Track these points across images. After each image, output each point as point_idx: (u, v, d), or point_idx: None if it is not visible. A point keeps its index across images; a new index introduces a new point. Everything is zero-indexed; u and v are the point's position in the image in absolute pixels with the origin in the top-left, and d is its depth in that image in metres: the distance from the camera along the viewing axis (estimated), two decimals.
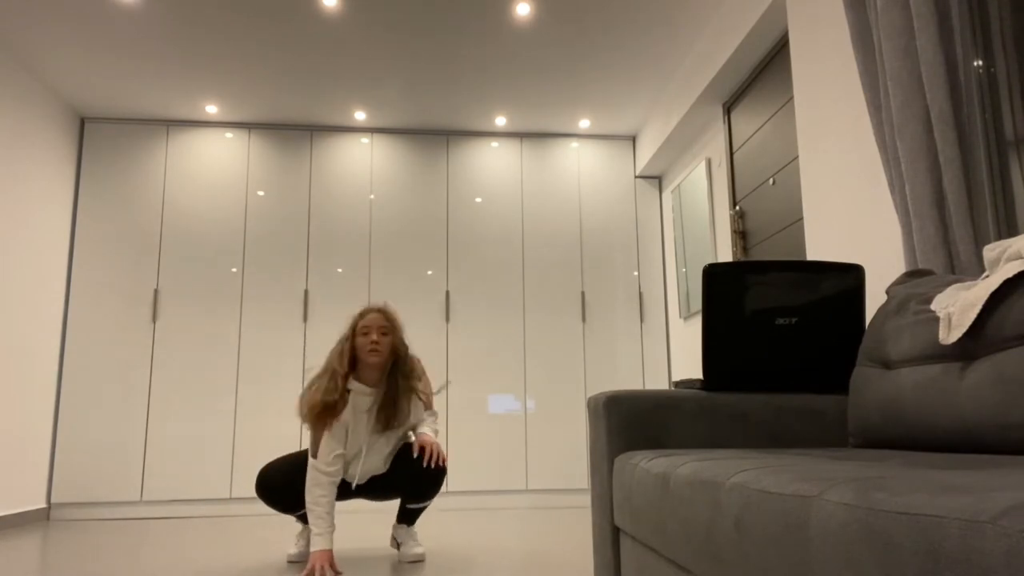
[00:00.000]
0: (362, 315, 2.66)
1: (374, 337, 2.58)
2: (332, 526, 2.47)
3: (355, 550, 2.94)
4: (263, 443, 4.32)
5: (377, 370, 2.62)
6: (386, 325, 2.63)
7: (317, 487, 2.49)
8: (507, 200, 4.77)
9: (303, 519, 2.78)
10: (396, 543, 2.81)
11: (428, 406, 2.81)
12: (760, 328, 1.75)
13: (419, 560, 2.70)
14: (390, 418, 2.60)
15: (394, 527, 2.83)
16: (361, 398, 2.60)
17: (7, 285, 3.77)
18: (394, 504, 4.09)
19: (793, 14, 2.82)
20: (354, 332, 2.63)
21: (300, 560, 2.70)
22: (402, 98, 4.33)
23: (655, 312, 4.78)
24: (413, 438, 2.78)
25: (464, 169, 4.78)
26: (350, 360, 2.59)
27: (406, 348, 2.71)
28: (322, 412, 2.51)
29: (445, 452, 2.76)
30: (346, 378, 2.58)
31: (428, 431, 2.71)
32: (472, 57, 3.88)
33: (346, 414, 2.57)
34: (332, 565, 2.41)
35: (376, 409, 2.61)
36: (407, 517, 2.78)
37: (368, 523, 3.76)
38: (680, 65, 4.02)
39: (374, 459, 2.69)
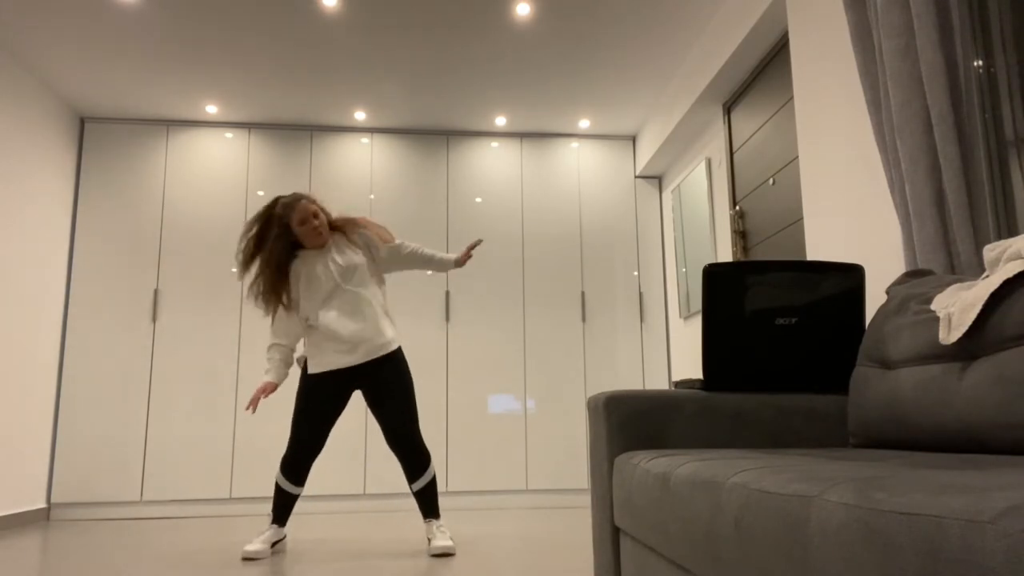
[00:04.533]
0: (290, 207, 2.86)
1: (314, 223, 2.85)
2: (282, 373, 2.86)
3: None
4: (263, 443, 4.32)
5: (322, 242, 2.90)
6: (316, 207, 2.88)
7: (270, 351, 2.89)
8: (507, 200, 4.77)
9: (275, 519, 2.88)
10: (428, 540, 2.91)
11: (389, 239, 3.01)
12: (760, 328, 1.75)
13: (447, 553, 2.74)
14: (346, 258, 2.88)
15: (425, 525, 3.02)
16: (312, 261, 2.87)
17: (7, 285, 3.77)
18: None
19: (793, 14, 2.82)
20: (288, 226, 2.84)
21: (256, 558, 2.73)
22: (402, 98, 4.33)
23: (655, 312, 4.78)
24: (378, 304, 2.96)
25: (464, 169, 4.78)
26: (289, 245, 2.85)
27: (329, 213, 2.97)
28: (270, 294, 2.80)
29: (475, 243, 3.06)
30: (287, 263, 2.84)
31: (453, 254, 3.06)
32: (472, 57, 3.88)
33: (300, 284, 2.85)
34: (266, 392, 2.80)
35: (330, 261, 2.87)
36: (422, 506, 2.90)
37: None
38: (680, 65, 4.02)
39: (346, 310, 2.86)
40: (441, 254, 3.04)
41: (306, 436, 2.83)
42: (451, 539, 2.88)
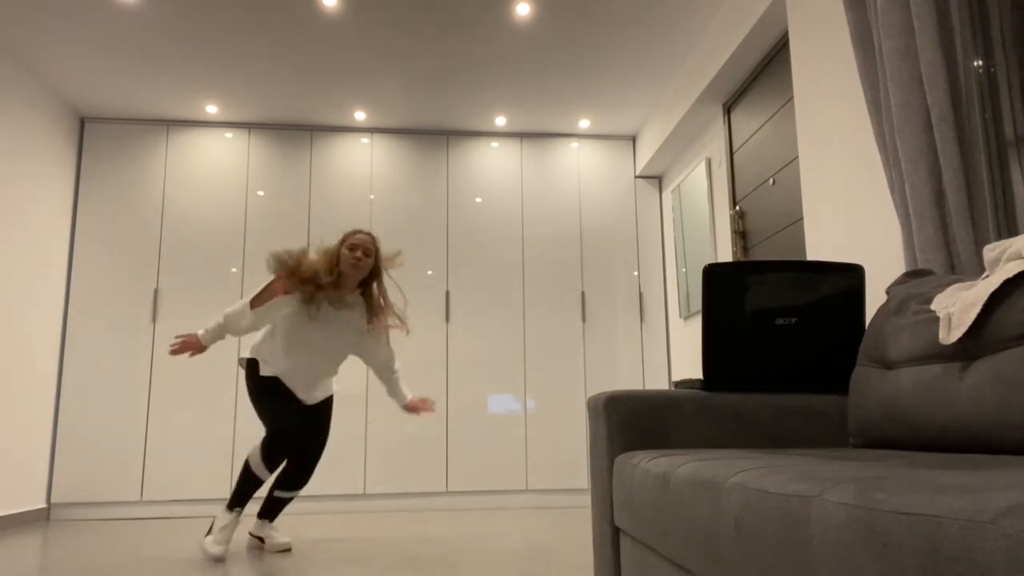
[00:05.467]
0: (353, 233, 2.97)
1: (359, 254, 2.90)
2: (212, 342, 2.90)
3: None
4: None
5: (351, 283, 2.93)
6: (371, 249, 2.94)
7: (230, 314, 2.88)
8: (507, 200, 4.77)
9: (237, 503, 2.81)
10: (259, 539, 3.03)
11: (388, 354, 3.10)
12: (760, 328, 1.75)
13: (287, 549, 2.92)
14: (370, 318, 2.96)
15: (256, 524, 3.06)
16: (338, 304, 2.91)
17: (7, 285, 3.77)
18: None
19: (793, 14, 2.82)
20: (341, 244, 2.93)
21: (222, 558, 2.74)
22: (402, 98, 4.33)
23: (655, 312, 4.78)
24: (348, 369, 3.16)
25: (464, 169, 4.78)
26: (336, 269, 2.88)
27: (381, 277, 3.02)
28: (306, 280, 2.81)
29: (433, 401, 3.20)
30: (334, 275, 2.87)
31: (412, 395, 3.15)
32: (472, 57, 3.88)
33: (312, 309, 2.87)
34: (192, 346, 2.88)
35: (348, 324, 2.95)
36: (271, 511, 3.04)
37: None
38: (680, 65, 4.02)
39: (321, 369, 2.98)
40: (401, 389, 3.13)
41: (286, 421, 2.84)
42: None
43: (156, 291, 4.40)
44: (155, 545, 3.12)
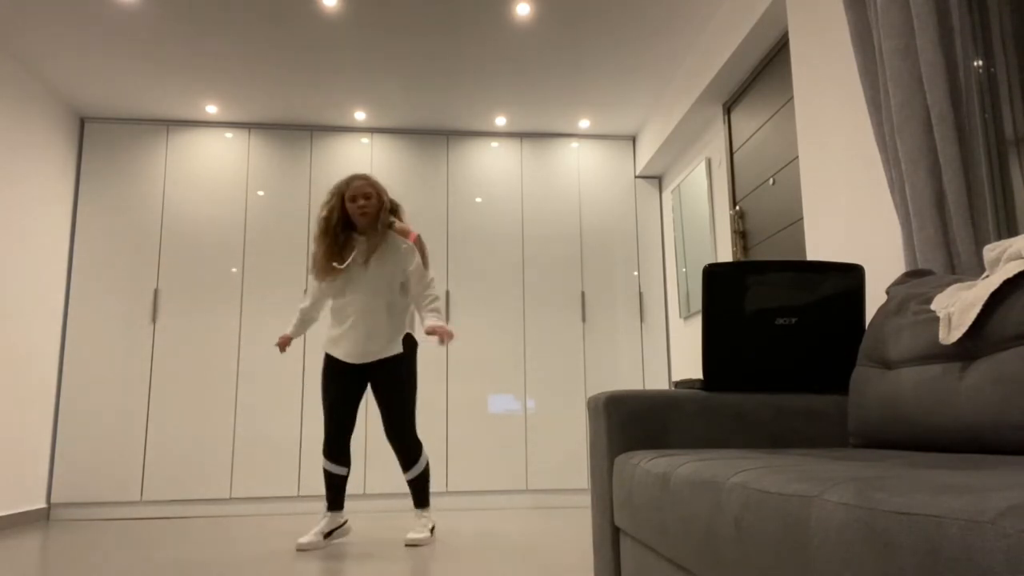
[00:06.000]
0: (348, 183, 3.08)
1: (361, 202, 3.03)
2: (299, 331, 3.22)
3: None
4: (263, 443, 4.32)
5: (368, 225, 3.07)
6: (370, 191, 3.06)
7: (299, 311, 3.25)
8: (507, 200, 4.77)
9: (334, 503, 3.07)
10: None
11: (422, 275, 3.13)
12: (760, 328, 1.75)
13: (414, 544, 2.97)
14: (371, 249, 3.04)
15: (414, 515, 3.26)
16: (359, 249, 3.06)
17: (7, 285, 3.77)
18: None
19: (793, 14, 2.82)
20: (343, 199, 3.06)
21: (309, 549, 2.91)
22: (402, 98, 4.33)
23: (655, 312, 4.78)
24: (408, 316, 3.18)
25: (464, 169, 4.78)
26: (343, 219, 3.05)
27: (391, 206, 3.16)
28: (324, 269, 3.03)
29: (453, 332, 3.22)
30: (339, 235, 3.04)
31: (436, 321, 3.08)
32: (472, 57, 3.88)
33: (341, 265, 3.02)
34: (284, 344, 3.19)
35: (365, 249, 3.05)
36: (412, 496, 3.15)
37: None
38: (680, 65, 4.02)
39: (361, 313, 3.05)
40: (430, 316, 3.10)
41: (335, 415, 3.05)
42: (426, 532, 3.05)
43: (156, 291, 4.40)
44: (155, 545, 3.12)
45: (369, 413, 4.42)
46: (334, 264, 3.01)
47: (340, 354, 3.06)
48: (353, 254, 3.05)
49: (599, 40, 3.73)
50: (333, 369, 3.08)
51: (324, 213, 3.08)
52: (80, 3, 3.34)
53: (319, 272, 3.04)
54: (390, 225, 3.14)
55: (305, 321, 3.23)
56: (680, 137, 4.27)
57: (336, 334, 3.08)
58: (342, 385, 3.07)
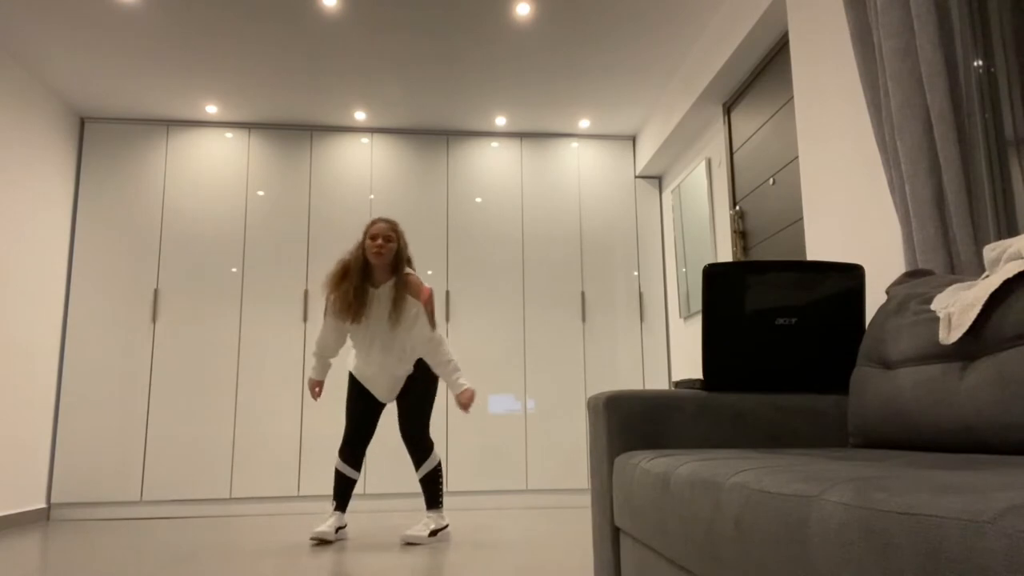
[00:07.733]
0: (373, 223, 3.16)
1: (379, 242, 3.08)
2: (321, 372, 3.26)
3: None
4: (263, 443, 4.32)
5: (383, 273, 3.13)
6: (391, 234, 3.11)
7: (313, 356, 3.34)
8: (507, 200, 4.77)
9: (340, 502, 3.19)
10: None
11: (425, 330, 3.14)
12: (760, 328, 1.75)
13: (410, 542, 3.04)
14: (392, 311, 3.08)
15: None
16: (377, 294, 3.12)
17: (7, 285, 3.77)
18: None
19: (793, 14, 2.82)
20: (364, 237, 3.13)
21: (323, 540, 3.04)
22: (402, 98, 4.33)
23: (655, 312, 4.78)
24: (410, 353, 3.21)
25: (464, 169, 4.78)
26: (364, 262, 3.10)
27: (406, 258, 3.18)
28: (342, 309, 3.08)
29: (473, 391, 3.24)
30: (361, 277, 3.08)
31: (466, 383, 3.17)
32: (472, 57, 3.88)
33: (358, 307, 3.08)
34: (314, 389, 3.26)
35: (384, 304, 3.11)
36: (424, 495, 3.21)
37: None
38: (680, 65, 4.02)
39: (384, 340, 3.13)
40: (450, 375, 3.14)
41: (357, 426, 3.20)
42: (426, 531, 3.09)
43: (156, 291, 4.40)
44: (155, 545, 3.13)
45: None
46: (350, 320, 3.10)
47: (363, 379, 3.21)
48: (369, 311, 3.12)
49: (599, 40, 3.73)
50: (362, 391, 3.24)
51: (348, 255, 3.15)
52: (80, 3, 3.34)
53: (336, 317, 3.15)
54: (407, 276, 3.16)
55: (326, 365, 3.30)
56: (680, 137, 4.27)
57: (364, 372, 3.20)
58: (369, 405, 3.23)
